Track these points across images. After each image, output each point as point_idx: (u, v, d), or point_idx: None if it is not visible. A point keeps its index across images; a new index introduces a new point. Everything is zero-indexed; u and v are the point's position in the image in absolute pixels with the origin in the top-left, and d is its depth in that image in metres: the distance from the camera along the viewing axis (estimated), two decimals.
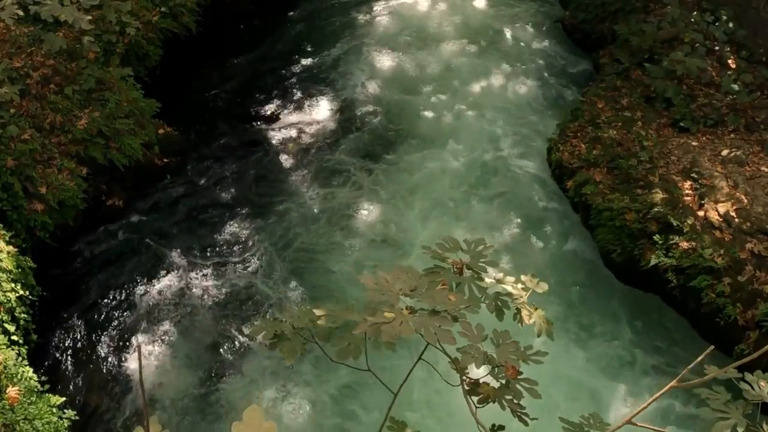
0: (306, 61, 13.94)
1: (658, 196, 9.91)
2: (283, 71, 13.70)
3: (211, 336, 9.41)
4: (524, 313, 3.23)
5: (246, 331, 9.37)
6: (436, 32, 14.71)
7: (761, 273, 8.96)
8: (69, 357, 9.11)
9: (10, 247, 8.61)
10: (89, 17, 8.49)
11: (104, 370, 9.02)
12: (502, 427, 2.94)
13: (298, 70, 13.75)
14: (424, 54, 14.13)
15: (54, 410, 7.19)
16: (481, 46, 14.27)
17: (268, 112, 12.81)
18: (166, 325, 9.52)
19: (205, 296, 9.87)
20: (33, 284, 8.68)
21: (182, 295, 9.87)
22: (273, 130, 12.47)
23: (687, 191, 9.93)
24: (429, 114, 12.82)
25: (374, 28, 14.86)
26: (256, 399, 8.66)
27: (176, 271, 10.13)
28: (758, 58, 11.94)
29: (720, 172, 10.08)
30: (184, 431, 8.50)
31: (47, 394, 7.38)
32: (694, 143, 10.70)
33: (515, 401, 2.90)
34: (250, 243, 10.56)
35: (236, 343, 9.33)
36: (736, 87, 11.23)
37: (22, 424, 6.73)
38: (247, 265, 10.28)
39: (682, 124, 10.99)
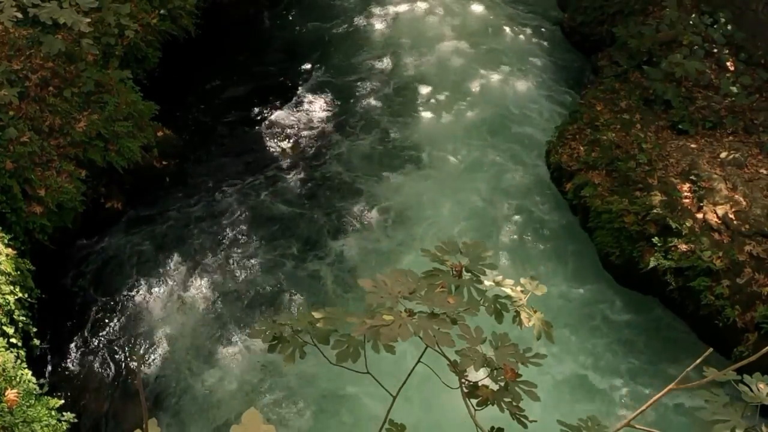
0: (305, 64, 13.95)
1: (657, 198, 9.91)
2: (282, 74, 13.71)
3: (211, 338, 9.41)
4: (523, 315, 3.23)
5: (245, 333, 9.36)
6: (435, 35, 14.72)
7: (760, 275, 8.96)
8: (68, 359, 9.11)
9: (9, 250, 8.60)
10: (88, 20, 8.47)
11: (103, 373, 9.01)
12: (501, 430, 2.94)
13: (297, 73, 13.76)
14: (423, 57, 14.14)
15: (53, 413, 7.18)
16: (480, 49, 14.28)
17: (267, 115, 12.81)
18: (166, 327, 9.51)
19: (204, 299, 9.87)
20: (32, 287, 8.67)
21: (181, 298, 9.87)
22: (272, 132, 12.48)
23: (686, 193, 9.94)
24: (427, 116, 12.83)
25: (374, 30, 14.87)
26: (255, 402, 8.65)
27: (175, 274, 10.13)
28: (757, 60, 11.95)
29: (719, 175, 10.09)
30: None
31: (46, 397, 7.37)
32: (692, 145, 10.71)
33: (514, 404, 2.89)
34: (249, 246, 10.56)
35: (236, 345, 9.33)
36: (734, 89, 11.24)
37: (20, 427, 6.72)
38: (246, 267, 10.27)
39: (680, 126, 10.99)
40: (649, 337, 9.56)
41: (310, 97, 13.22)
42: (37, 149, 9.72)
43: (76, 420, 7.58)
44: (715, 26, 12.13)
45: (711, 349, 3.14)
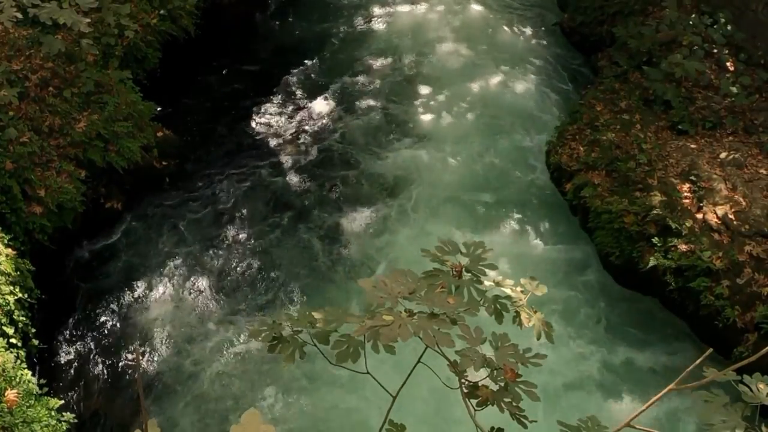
0: (305, 64, 13.95)
1: (657, 198, 9.91)
2: (282, 74, 13.71)
3: (211, 338, 9.41)
4: (523, 315, 3.23)
5: (245, 333, 9.36)
6: (434, 36, 14.71)
7: (760, 275, 8.96)
8: (68, 360, 9.11)
9: (9, 250, 8.60)
10: (88, 20, 8.47)
11: (103, 373, 9.01)
12: (501, 430, 2.94)
13: (296, 73, 13.75)
14: (423, 57, 14.13)
15: (53, 413, 7.18)
16: (480, 49, 14.28)
17: (267, 115, 12.81)
18: (165, 328, 9.51)
19: (204, 298, 9.87)
20: (32, 287, 8.67)
21: (181, 298, 9.87)
22: (272, 132, 12.48)
23: (685, 194, 9.94)
24: (427, 116, 12.83)
25: (374, 31, 14.87)
26: (255, 402, 8.65)
27: (175, 274, 10.13)
28: (756, 60, 11.94)
29: (718, 175, 10.09)
30: None
31: (46, 397, 7.37)
32: (692, 146, 10.70)
33: (514, 404, 2.89)
34: (249, 245, 10.56)
35: (235, 345, 9.33)
36: (734, 89, 11.24)
37: (20, 427, 6.72)
38: (247, 267, 10.28)
39: (680, 126, 10.99)
40: (648, 338, 9.57)
41: (310, 96, 13.22)
42: (37, 149, 9.72)
43: (75, 420, 7.59)
44: (715, 26, 12.12)
45: (711, 350, 3.14)
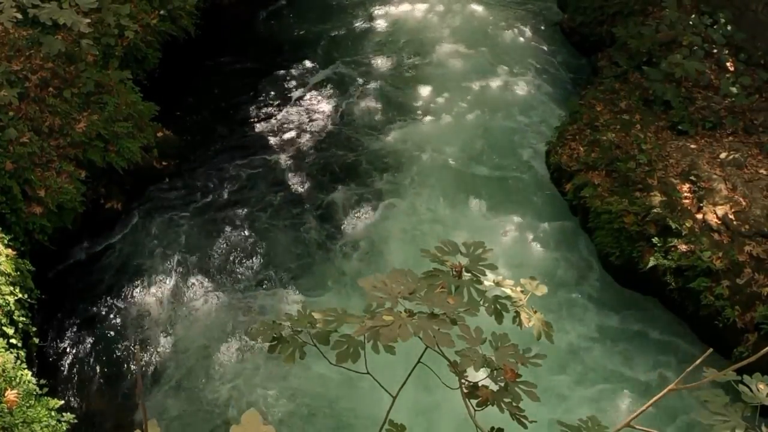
0: (305, 64, 13.95)
1: (657, 198, 9.91)
2: (282, 74, 13.71)
3: (210, 338, 9.41)
4: (523, 316, 3.23)
5: (245, 333, 9.36)
6: (434, 35, 14.71)
7: (760, 275, 8.96)
8: (68, 360, 9.10)
9: (9, 250, 8.60)
10: (88, 20, 8.47)
11: (103, 373, 9.01)
12: (501, 430, 2.94)
13: (297, 73, 13.76)
14: (423, 57, 14.13)
15: (53, 413, 7.18)
16: (480, 49, 14.27)
17: (267, 115, 12.81)
18: (165, 328, 9.51)
19: (204, 299, 9.87)
20: (32, 287, 8.66)
21: (181, 298, 9.87)
22: (271, 132, 12.48)
23: (685, 194, 9.94)
24: (427, 116, 12.83)
25: (374, 30, 14.87)
26: (254, 402, 8.65)
27: (175, 274, 10.13)
28: (756, 60, 11.93)
29: (718, 175, 10.09)
30: None
31: (46, 398, 7.37)
32: (692, 146, 10.70)
33: (514, 404, 2.89)
34: (249, 245, 10.56)
35: (235, 345, 9.33)
36: (734, 90, 11.23)
37: (20, 428, 6.71)
38: (246, 267, 10.28)
39: (680, 126, 10.98)
40: (648, 338, 9.59)
41: (309, 95, 13.22)
42: (37, 150, 9.72)
43: (75, 420, 7.58)
44: (714, 27, 12.11)
45: (711, 350, 3.14)
